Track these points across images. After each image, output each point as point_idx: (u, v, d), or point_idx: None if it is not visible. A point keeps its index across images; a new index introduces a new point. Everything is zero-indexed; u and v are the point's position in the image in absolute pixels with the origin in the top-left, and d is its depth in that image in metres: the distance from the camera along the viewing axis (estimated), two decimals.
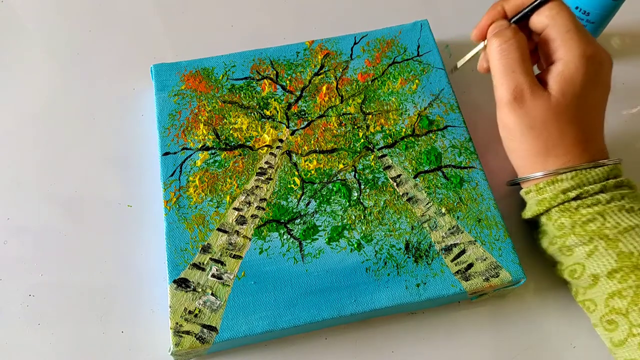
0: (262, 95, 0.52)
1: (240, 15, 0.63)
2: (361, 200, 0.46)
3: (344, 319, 0.42)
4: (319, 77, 0.53)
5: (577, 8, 0.53)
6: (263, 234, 0.45)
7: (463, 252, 0.44)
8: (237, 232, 0.45)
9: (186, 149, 0.48)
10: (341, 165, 0.48)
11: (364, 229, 0.45)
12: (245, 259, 0.43)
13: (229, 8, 0.63)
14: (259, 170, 0.47)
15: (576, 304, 0.46)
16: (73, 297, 0.46)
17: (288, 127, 0.50)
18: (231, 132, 0.49)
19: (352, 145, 0.49)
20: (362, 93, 0.52)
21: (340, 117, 0.50)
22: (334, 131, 0.50)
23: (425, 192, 0.47)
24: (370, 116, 0.51)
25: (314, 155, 0.48)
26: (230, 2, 0.64)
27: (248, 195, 0.46)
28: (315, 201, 0.46)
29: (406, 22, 0.56)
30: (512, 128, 0.42)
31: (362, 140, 0.49)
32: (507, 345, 0.45)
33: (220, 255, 0.43)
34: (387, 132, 0.50)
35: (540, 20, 0.42)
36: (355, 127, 0.50)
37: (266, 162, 0.48)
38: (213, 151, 0.48)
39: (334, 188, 0.47)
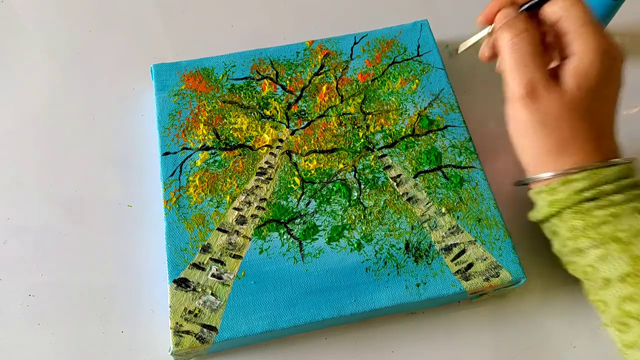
0: (262, 95, 0.52)
1: (240, 15, 0.63)
2: (361, 200, 0.46)
3: (344, 319, 0.42)
4: (319, 77, 0.53)
5: None
6: (263, 233, 0.45)
7: (463, 252, 0.44)
8: (237, 232, 0.45)
9: (186, 148, 0.48)
10: (341, 165, 0.48)
11: (364, 228, 0.45)
12: (245, 258, 0.43)
13: (229, 8, 0.63)
14: (259, 170, 0.47)
15: (576, 304, 0.46)
16: (73, 297, 0.46)
17: (288, 127, 0.50)
18: (231, 132, 0.49)
19: (352, 145, 0.49)
20: (362, 93, 0.52)
21: (340, 117, 0.50)
22: (334, 131, 0.50)
23: (425, 192, 0.47)
24: (370, 116, 0.51)
25: (314, 155, 0.48)
26: (230, 2, 0.64)
27: (248, 195, 0.46)
28: (315, 201, 0.46)
29: (406, 22, 0.56)
30: (523, 124, 0.41)
31: (362, 140, 0.49)
32: (507, 345, 0.45)
33: (220, 255, 0.43)
34: (387, 132, 0.50)
35: (553, 10, 0.40)
36: (355, 127, 0.50)
37: (266, 162, 0.48)
38: (213, 151, 0.48)
39: (334, 188, 0.47)
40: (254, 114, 0.50)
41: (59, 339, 0.44)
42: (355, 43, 0.55)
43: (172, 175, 0.47)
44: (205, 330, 0.40)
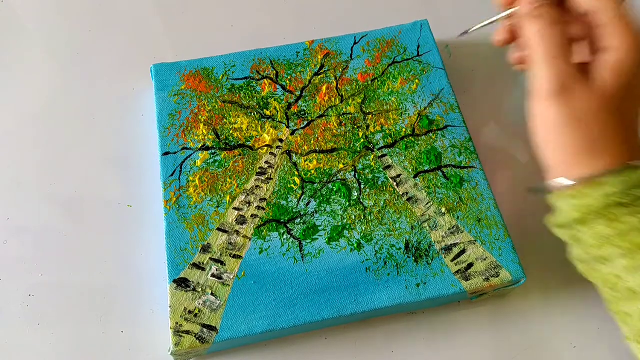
0: (262, 95, 0.52)
1: (240, 15, 0.63)
2: (361, 200, 0.46)
3: (344, 319, 0.42)
4: (319, 77, 0.53)
5: None
6: (263, 233, 0.45)
7: (463, 251, 0.44)
8: (237, 232, 0.45)
9: (186, 148, 0.48)
10: (341, 165, 0.48)
11: (364, 228, 0.45)
12: (245, 258, 0.43)
13: (229, 8, 0.63)
14: (259, 170, 0.47)
15: (576, 304, 0.46)
16: (73, 297, 0.46)
17: (288, 127, 0.50)
18: (231, 132, 0.49)
19: (352, 145, 0.49)
20: (362, 93, 0.52)
21: (340, 117, 0.50)
22: (334, 131, 0.50)
23: (425, 191, 0.47)
24: (370, 116, 0.51)
25: (314, 155, 0.48)
26: (230, 2, 0.64)
27: (248, 195, 0.46)
28: (315, 201, 0.46)
29: (406, 22, 0.56)
30: (551, 122, 0.37)
31: (362, 140, 0.49)
32: (507, 345, 0.45)
33: (220, 255, 0.43)
34: (387, 132, 0.50)
35: (586, 2, 0.37)
36: (355, 127, 0.50)
37: (266, 162, 0.48)
38: (213, 151, 0.48)
39: (334, 188, 0.47)
40: (254, 114, 0.50)
41: (59, 339, 0.44)
42: (355, 43, 0.55)
43: (172, 175, 0.47)
44: (205, 330, 0.40)
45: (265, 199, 0.46)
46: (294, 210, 0.46)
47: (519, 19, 0.38)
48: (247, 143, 0.49)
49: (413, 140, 0.49)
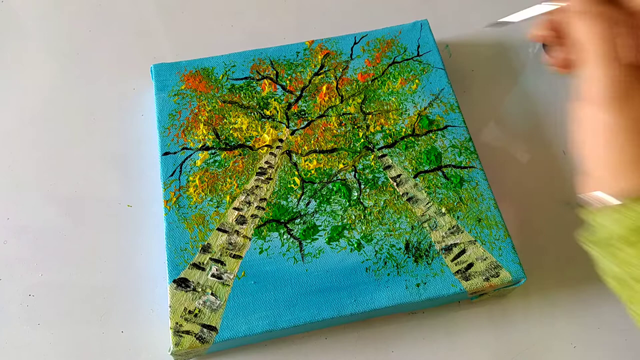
0: (262, 95, 0.52)
1: (240, 15, 0.63)
2: (361, 200, 0.46)
3: (344, 319, 0.42)
4: (319, 77, 0.53)
5: None
6: (263, 233, 0.45)
7: (463, 251, 0.44)
8: (237, 232, 0.45)
9: (186, 148, 0.48)
10: (341, 165, 0.48)
11: (364, 228, 0.45)
12: (245, 258, 0.43)
13: (229, 8, 0.63)
14: (259, 170, 0.47)
15: (576, 304, 0.46)
16: (73, 297, 0.46)
17: (288, 127, 0.50)
18: (231, 132, 0.49)
19: (352, 145, 0.49)
20: (362, 93, 0.52)
21: (340, 117, 0.50)
22: (334, 131, 0.50)
23: (425, 192, 0.47)
24: (370, 116, 0.51)
25: (314, 155, 0.48)
26: (230, 2, 0.64)
27: (248, 195, 0.46)
28: (315, 201, 0.46)
29: (406, 22, 0.56)
30: (602, 129, 0.34)
31: (362, 140, 0.49)
32: (507, 345, 0.45)
33: (220, 255, 0.43)
34: (387, 132, 0.50)
35: None
36: (355, 127, 0.50)
37: (266, 162, 0.48)
38: (213, 151, 0.48)
39: (334, 188, 0.47)
40: (254, 114, 0.50)
41: (59, 339, 0.44)
42: (355, 43, 0.55)
43: (172, 175, 0.47)
44: (205, 330, 0.40)
45: (265, 199, 0.46)
46: (294, 210, 0.46)
47: (566, 16, 0.35)
48: (247, 143, 0.49)
49: (413, 140, 0.49)
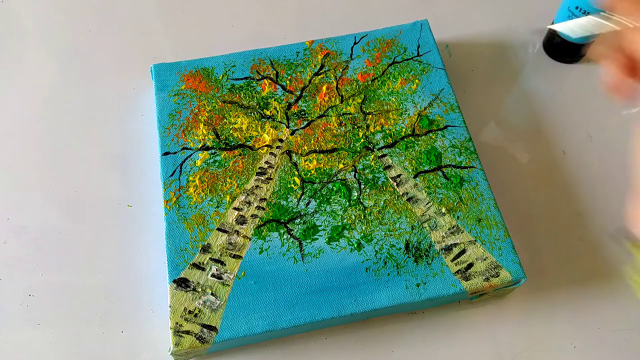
0: (262, 95, 0.52)
1: (240, 15, 0.63)
2: (361, 200, 0.46)
3: (344, 319, 0.42)
4: (319, 77, 0.53)
5: (577, 8, 0.53)
6: (263, 233, 0.45)
7: (463, 251, 0.44)
8: (237, 232, 0.45)
9: (186, 148, 0.48)
10: (341, 165, 0.48)
11: (364, 228, 0.45)
12: (245, 258, 0.43)
13: (229, 8, 0.63)
14: (259, 170, 0.47)
15: (576, 304, 0.46)
16: (73, 297, 0.46)
17: (288, 127, 0.50)
18: (231, 132, 0.49)
19: (352, 145, 0.49)
20: (362, 93, 0.52)
21: (340, 117, 0.50)
22: (334, 131, 0.50)
23: (425, 192, 0.47)
24: (370, 116, 0.51)
25: (314, 155, 0.48)
26: (230, 2, 0.64)
27: (248, 195, 0.46)
28: (315, 201, 0.46)
29: (406, 22, 0.56)
30: None
31: (362, 140, 0.49)
32: (507, 345, 0.45)
33: (220, 255, 0.43)
34: (387, 132, 0.50)
35: None
36: (355, 127, 0.50)
37: (266, 162, 0.48)
38: (213, 151, 0.48)
39: (334, 188, 0.47)
40: (254, 114, 0.50)
41: (59, 339, 0.44)
42: (355, 43, 0.55)
43: (172, 175, 0.47)
44: (205, 330, 0.40)
45: (265, 199, 0.46)
46: (294, 210, 0.46)
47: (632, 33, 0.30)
48: (247, 143, 0.49)
49: (413, 140, 0.49)
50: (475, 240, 0.44)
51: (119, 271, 0.47)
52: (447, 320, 0.45)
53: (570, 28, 0.36)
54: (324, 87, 0.52)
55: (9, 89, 0.57)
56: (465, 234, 0.45)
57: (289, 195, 0.46)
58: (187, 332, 0.40)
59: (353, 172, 0.48)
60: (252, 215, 0.45)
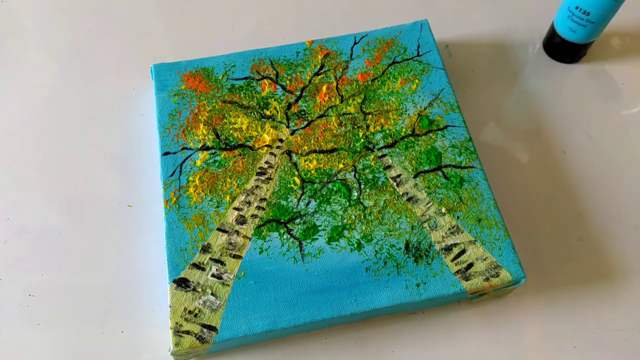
0: (262, 95, 0.52)
1: (240, 15, 0.63)
2: (361, 200, 0.46)
3: (344, 319, 0.42)
4: (319, 77, 0.53)
5: (577, 8, 0.53)
6: (263, 233, 0.45)
7: (463, 251, 0.44)
8: (237, 232, 0.45)
9: (186, 148, 0.48)
10: (341, 165, 0.48)
11: (364, 228, 0.45)
12: (245, 258, 0.43)
13: (229, 8, 0.63)
14: (259, 170, 0.47)
15: (576, 304, 0.46)
16: (73, 297, 0.46)
17: (288, 127, 0.50)
18: (231, 132, 0.49)
19: (352, 145, 0.49)
20: (362, 93, 0.52)
21: (340, 117, 0.50)
22: (334, 131, 0.50)
23: (425, 192, 0.47)
24: (370, 116, 0.51)
25: (314, 155, 0.48)
26: (230, 2, 0.64)
27: (248, 195, 0.46)
28: (315, 201, 0.46)
29: (406, 22, 0.56)
30: None
31: (362, 140, 0.49)
32: (507, 345, 0.45)
33: (220, 255, 0.43)
34: (387, 132, 0.50)
35: None
36: (355, 127, 0.50)
37: (266, 162, 0.48)
38: (213, 151, 0.48)
39: (334, 188, 0.47)
40: (254, 114, 0.50)
41: (59, 339, 0.44)
42: (355, 43, 0.55)
43: (172, 175, 0.47)
44: (205, 330, 0.40)
45: (265, 199, 0.46)
46: (294, 210, 0.46)
47: None
48: (247, 143, 0.49)
49: (413, 140, 0.49)
50: (475, 240, 0.44)
51: (119, 271, 0.47)
52: (447, 320, 0.45)
53: None
54: (324, 87, 0.52)
55: (9, 89, 0.57)
56: (465, 234, 0.45)
57: (289, 195, 0.46)
58: (187, 332, 0.40)
59: (353, 172, 0.48)
60: (252, 215, 0.45)
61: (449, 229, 0.45)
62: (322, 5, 0.64)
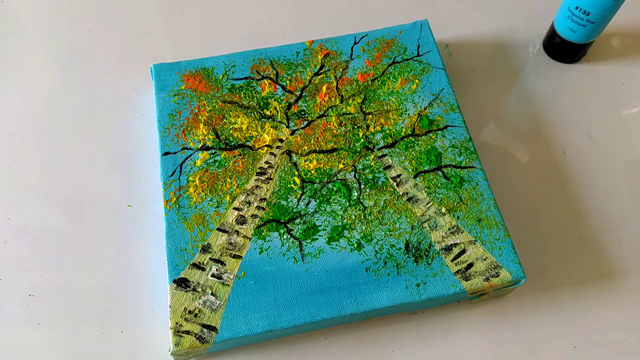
0: (262, 95, 0.52)
1: (240, 15, 0.63)
2: (361, 200, 0.46)
3: (344, 319, 0.42)
4: (319, 77, 0.53)
5: (577, 8, 0.53)
6: (263, 233, 0.45)
7: (463, 251, 0.44)
8: (237, 232, 0.45)
9: (186, 148, 0.48)
10: (341, 165, 0.48)
11: (364, 228, 0.45)
12: (245, 258, 0.43)
13: (229, 8, 0.63)
14: (259, 170, 0.47)
15: (576, 304, 0.46)
16: (73, 297, 0.46)
17: (288, 127, 0.50)
18: (231, 132, 0.49)
19: (352, 145, 0.49)
20: (362, 93, 0.52)
21: (340, 117, 0.50)
22: (334, 131, 0.50)
23: (425, 191, 0.47)
24: (370, 116, 0.51)
25: (314, 155, 0.48)
26: (230, 2, 0.64)
27: (248, 195, 0.46)
28: (315, 201, 0.46)
29: (406, 22, 0.56)
30: None
31: (362, 140, 0.49)
32: (507, 345, 0.45)
33: (220, 255, 0.43)
34: (387, 132, 0.50)
35: None
36: (355, 127, 0.50)
37: (266, 162, 0.48)
38: (213, 151, 0.48)
39: (334, 188, 0.47)
40: (254, 114, 0.50)
41: (59, 339, 0.44)
42: (355, 43, 0.55)
43: (172, 175, 0.47)
44: (205, 330, 0.40)
45: (265, 199, 0.46)
46: (294, 210, 0.46)
47: None
48: (247, 143, 0.49)
49: (413, 140, 0.49)
50: (475, 240, 0.44)
51: (119, 271, 0.47)
52: (447, 320, 0.45)
53: None
54: (324, 87, 0.52)
55: (9, 89, 0.57)
56: (465, 234, 0.45)
57: (289, 195, 0.46)
58: (187, 332, 0.40)
59: (353, 172, 0.48)
60: (252, 215, 0.45)
61: (449, 229, 0.45)
62: (322, 5, 0.64)
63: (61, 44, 0.60)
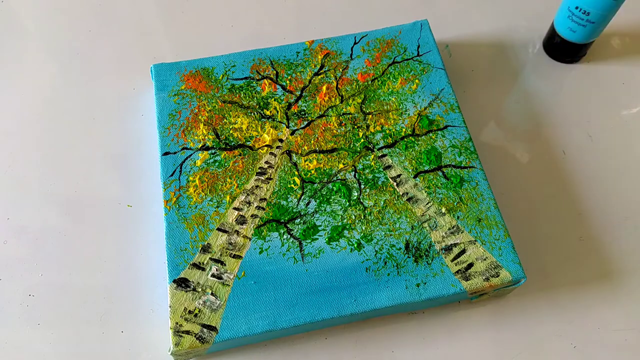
0: (262, 95, 0.52)
1: (240, 15, 0.63)
2: (361, 200, 0.46)
3: (344, 319, 0.42)
4: (319, 77, 0.53)
5: (577, 8, 0.53)
6: (263, 233, 0.45)
7: (463, 251, 0.44)
8: (237, 232, 0.45)
9: (186, 148, 0.48)
10: (341, 165, 0.48)
11: (364, 228, 0.45)
12: (245, 258, 0.43)
13: (229, 8, 0.63)
14: (259, 170, 0.47)
15: (576, 304, 0.46)
16: (73, 297, 0.46)
17: (288, 127, 0.50)
18: (231, 132, 0.49)
19: (352, 145, 0.49)
20: (362, 93, 0.52)
21: (340, 117, 0.50)
22: (334, 131, 0.50)
23: (425, 191, 0.47)
24: (370, 116, 0.51)
25: (314, 155, 0.48)
26: (230, 2, 0.64)
27: (248, 195, 0.46)
28: (315, 201, 0.46)
29: (406, 22, 0.56)
30: None
31: (362, 140, 0.49)
32: (507, 345, 0.45)
33: (220, 255, 0.43)
34: (387, 132, 0.50)
35: None
36: (355, 127, 0.50)
37: (266, 162, 0.48)
38: (213, 151, 0.48)
39: (334, 188, 0.47)
40: (254, 114, 0.50)
41: (59, 339, 0.44)
42: (355, 43, 0.55)
43: (172, 175, 0.47)
44: (205, 330, 0.40)
45: (265, 199, 0.46)
46: (294, 210, 0.46)
47: None
48: (247, 143, 0.49)
49: (413, 140, 0.49)
50: (475, 240, 0.44)
51: (119, 271, 0.47)
52: (447, 320, 0.45)
53: None
54: (324, 87, 0.52)
55: (9, 89, 0.57)
56: (465, 234, 0.45)
57: (289, 195, 0.46)
58: (187, 332, 0.40)
59: (353, 172, 0.48)
60: (252, 215, 0.45)
61: (449, 229, 0.45)
62: (322, 5, 0.64)
63: (61, 44, 0.60)
